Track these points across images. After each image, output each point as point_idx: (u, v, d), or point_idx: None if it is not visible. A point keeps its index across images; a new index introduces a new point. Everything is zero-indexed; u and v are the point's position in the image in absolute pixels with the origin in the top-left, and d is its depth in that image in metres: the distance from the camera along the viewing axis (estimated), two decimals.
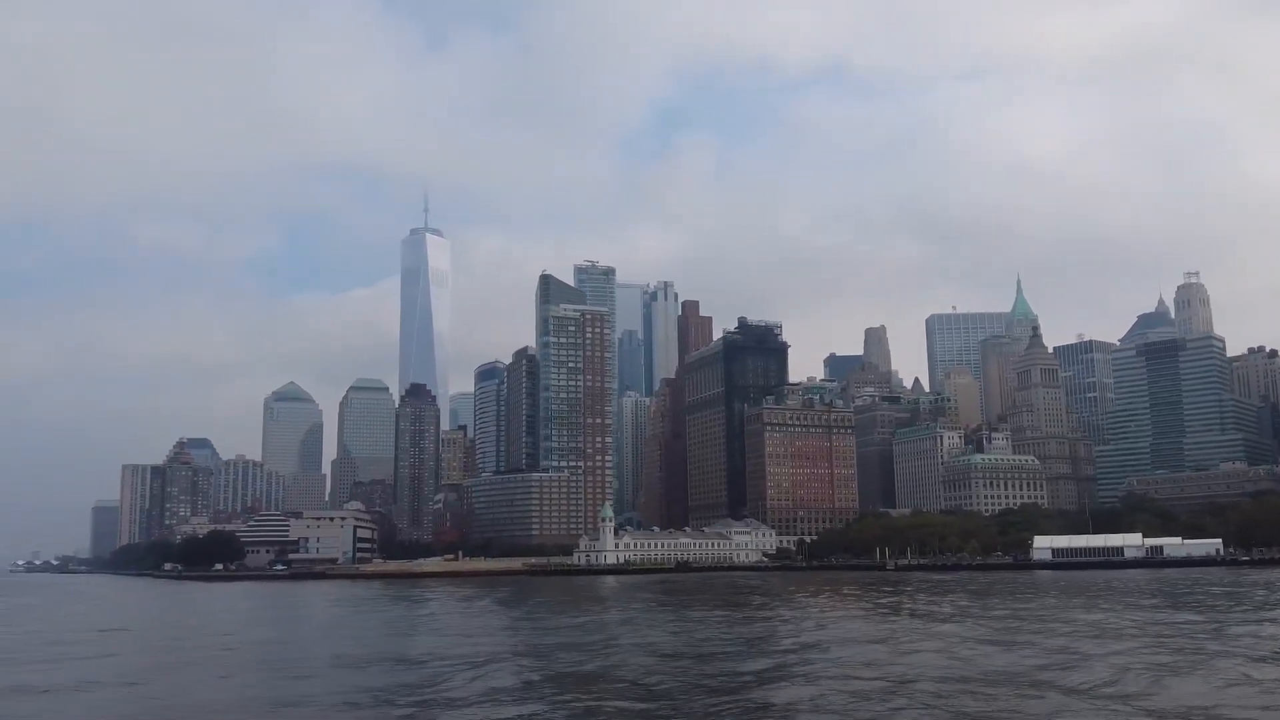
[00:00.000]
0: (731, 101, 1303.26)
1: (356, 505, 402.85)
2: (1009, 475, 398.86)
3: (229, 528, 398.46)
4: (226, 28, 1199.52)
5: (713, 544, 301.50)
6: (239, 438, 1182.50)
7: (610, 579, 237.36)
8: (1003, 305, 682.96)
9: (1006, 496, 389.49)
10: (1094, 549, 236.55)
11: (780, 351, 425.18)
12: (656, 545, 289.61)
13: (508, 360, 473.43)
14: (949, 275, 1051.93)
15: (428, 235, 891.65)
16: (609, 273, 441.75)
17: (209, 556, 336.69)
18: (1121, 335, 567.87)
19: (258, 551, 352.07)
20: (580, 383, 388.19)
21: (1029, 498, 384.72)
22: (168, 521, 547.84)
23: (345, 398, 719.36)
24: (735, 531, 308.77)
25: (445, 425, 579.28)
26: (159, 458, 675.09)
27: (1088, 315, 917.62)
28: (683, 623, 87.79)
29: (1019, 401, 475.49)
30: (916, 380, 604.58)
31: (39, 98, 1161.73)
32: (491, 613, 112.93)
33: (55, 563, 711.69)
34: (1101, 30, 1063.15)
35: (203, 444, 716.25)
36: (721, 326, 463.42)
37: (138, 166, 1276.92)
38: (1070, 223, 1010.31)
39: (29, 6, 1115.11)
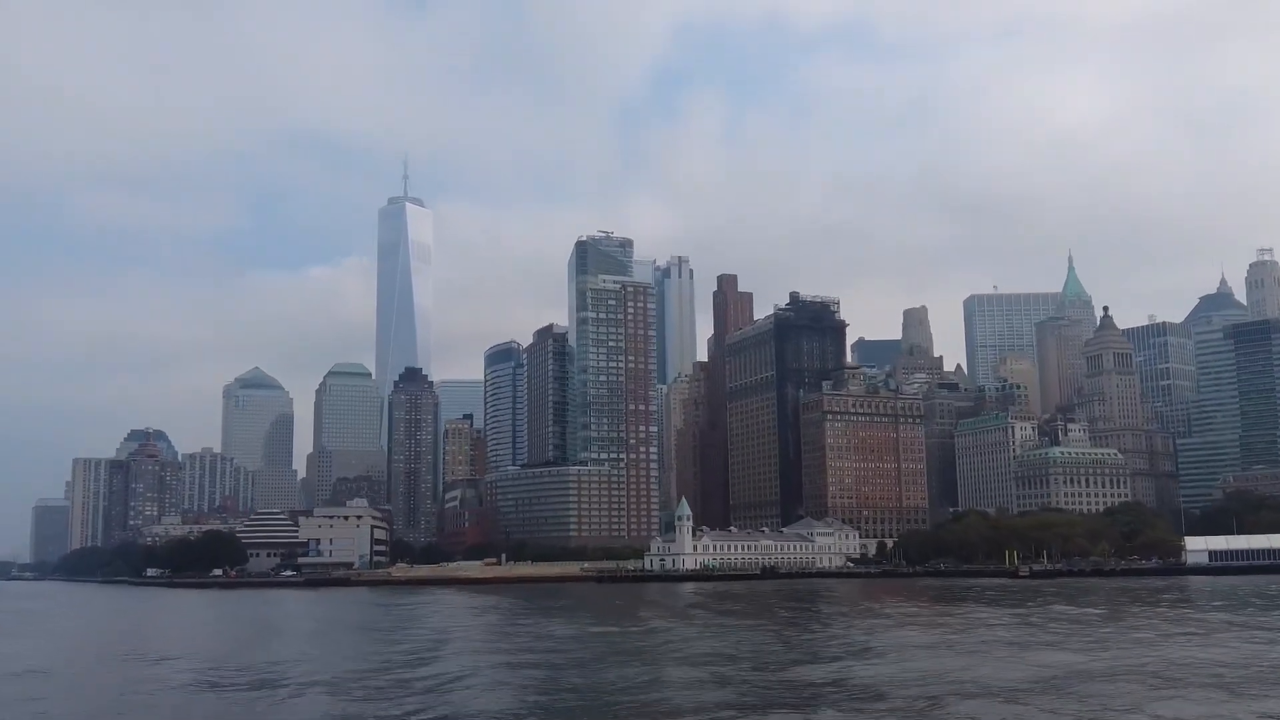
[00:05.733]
0: (739, 63, 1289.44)
1: (362, 502, 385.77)
2: (1090, 471, 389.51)
3: (225, 527, 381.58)
4: None
5: (795, 546, 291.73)
6: (196, 429, 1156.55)
7: (688, 586, 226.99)
8: (1043, 284, 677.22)
9: (1089, 495, 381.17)
10: (1256, 551, 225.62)
11: (837, 331, 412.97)
12: (737, 548, 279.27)
13: (525, 340, 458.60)
14: (978, 252, 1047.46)
15: (408, 205, 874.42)
16: (626, 245, 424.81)
17: (204, 561, 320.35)
18: (1183, 318, 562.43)
19: (259, 555, 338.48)
20: (622, 364, 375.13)
21: (1112, 496, 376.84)
22: (133, 521, 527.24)
23: (322, 384, 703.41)
24: (818, 533, 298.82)
25: (444, 413, 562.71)
26: (108, 450, 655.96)
27: (1132, 296, 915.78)
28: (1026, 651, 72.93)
29: (1088, 389, 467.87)
30: (959, 366, 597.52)
31: None
32: (727, 630, 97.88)
33: None
34: None
35: (158, 436, 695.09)
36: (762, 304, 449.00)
37: (89, 132, 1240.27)
38: (1107, 197, 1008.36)
39: None
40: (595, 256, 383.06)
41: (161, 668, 76.08)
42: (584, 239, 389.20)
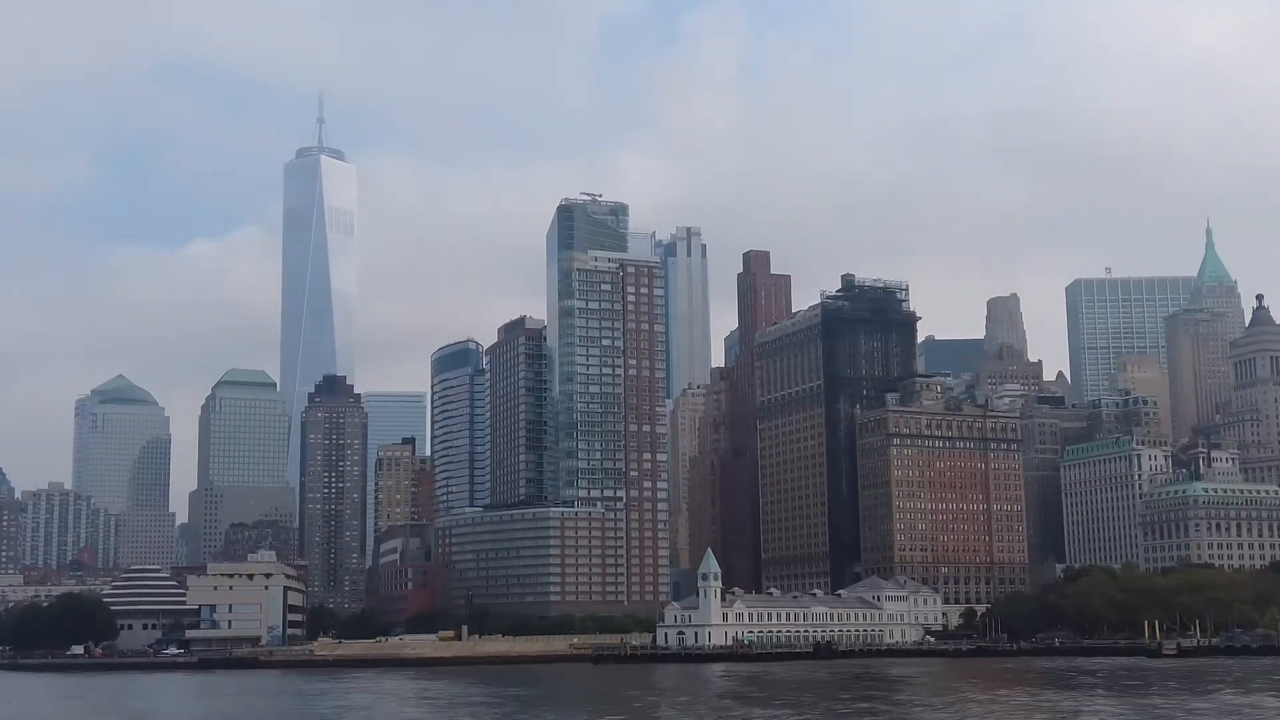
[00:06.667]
0: None
1: (269, 555, 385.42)
2: (1243, 514, 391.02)
3: (86, 589, 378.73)
4: None
5: (857, 615, 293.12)
6: (39, 459, 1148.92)
7: (717, 668, 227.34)
8: (1172, 265, 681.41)
9: (1242, 546, 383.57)
10: None
11: (906, 326, 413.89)
12: (781, 617, 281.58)
13: (487, 339, 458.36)
14: (1082, 223, 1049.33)
15: (323, 159, 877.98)
16: (618, 212, 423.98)
17: (58, 635, 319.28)
18: None
19: (133, 627, 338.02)
20: (620, 370, 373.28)
21: (1274, 547, 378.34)
22: None
23: (209, 398, 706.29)
24: (887, 597, 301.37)
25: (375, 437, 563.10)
26: None
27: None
28: None
29: (1238, 405, 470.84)
30: (1060, 374, 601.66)
31: None
32: None
33: None
34: None
35: None
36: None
37: None
38: (1257, 148, 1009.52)
39: None
40: (584, 226, 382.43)
41: None
42: (568, 202, 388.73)
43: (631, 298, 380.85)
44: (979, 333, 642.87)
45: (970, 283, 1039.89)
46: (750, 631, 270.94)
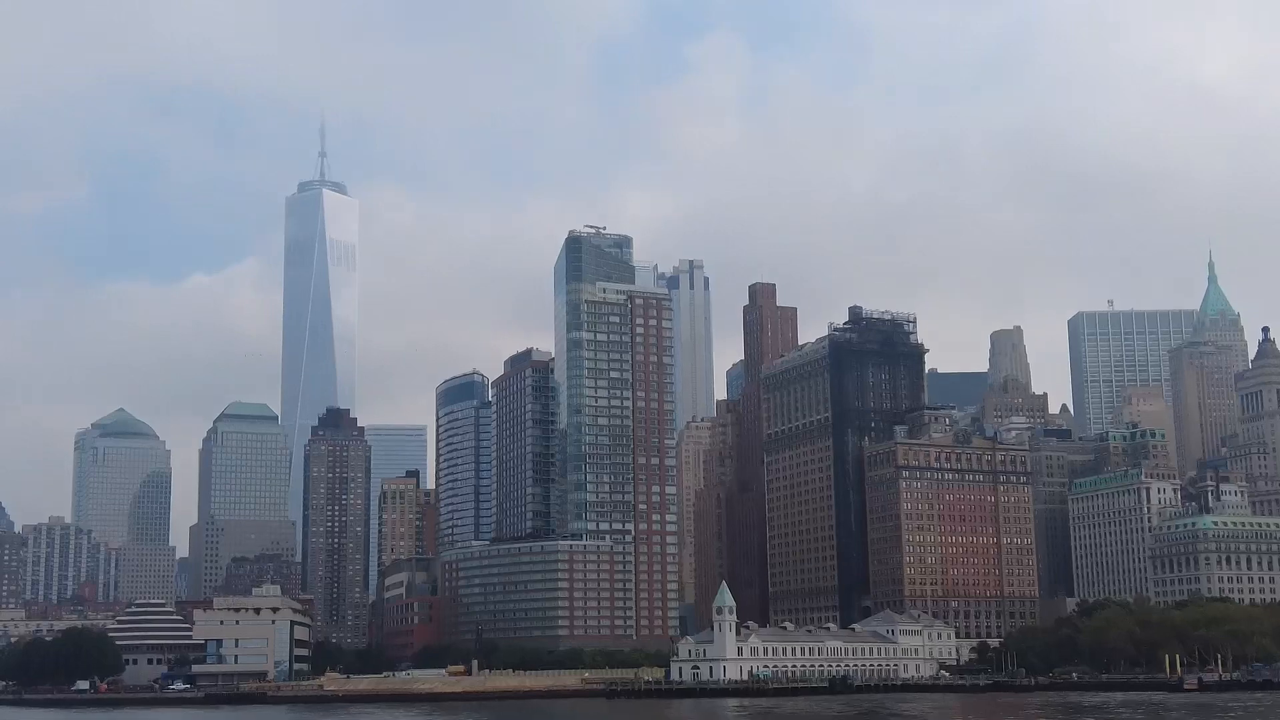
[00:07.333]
0: None
1: (274, 590, 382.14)
2: (1252, 547, 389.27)
3: (89, 623, 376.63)
4: None
5: (872, 650, 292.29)
6: (38, 492, 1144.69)
7: (731, 703, 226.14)
8: (1174, 297, 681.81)
9: (1252, 580, 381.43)
10: None
11: (914, 358, 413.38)
12: (796, 652, 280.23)
13: (487, 371, 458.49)
14: (1084, 253, 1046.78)
15: (325, 192, 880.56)
16: (623, 244, 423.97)
17: (64, 669, 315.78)
18: None
19: (139, 661, 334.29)
20: (629, 403, 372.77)
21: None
22: None
23: (210, 431, 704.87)
24: (902, 631, 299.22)
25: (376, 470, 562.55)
26: None
27: None
28: None
29: (1245, 438, 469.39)
30: (1064, 407, 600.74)
31: None
32: None
33: None
34: None
35: None
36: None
37: None
38: (1262, 177, 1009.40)
39: None
40: (592, 258, 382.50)
41: None
42: (577, 233, 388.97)
43: (640, 329, 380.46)
44: (981, 365, 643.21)
45: (972, 315, 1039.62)
46: (765, 666, 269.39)
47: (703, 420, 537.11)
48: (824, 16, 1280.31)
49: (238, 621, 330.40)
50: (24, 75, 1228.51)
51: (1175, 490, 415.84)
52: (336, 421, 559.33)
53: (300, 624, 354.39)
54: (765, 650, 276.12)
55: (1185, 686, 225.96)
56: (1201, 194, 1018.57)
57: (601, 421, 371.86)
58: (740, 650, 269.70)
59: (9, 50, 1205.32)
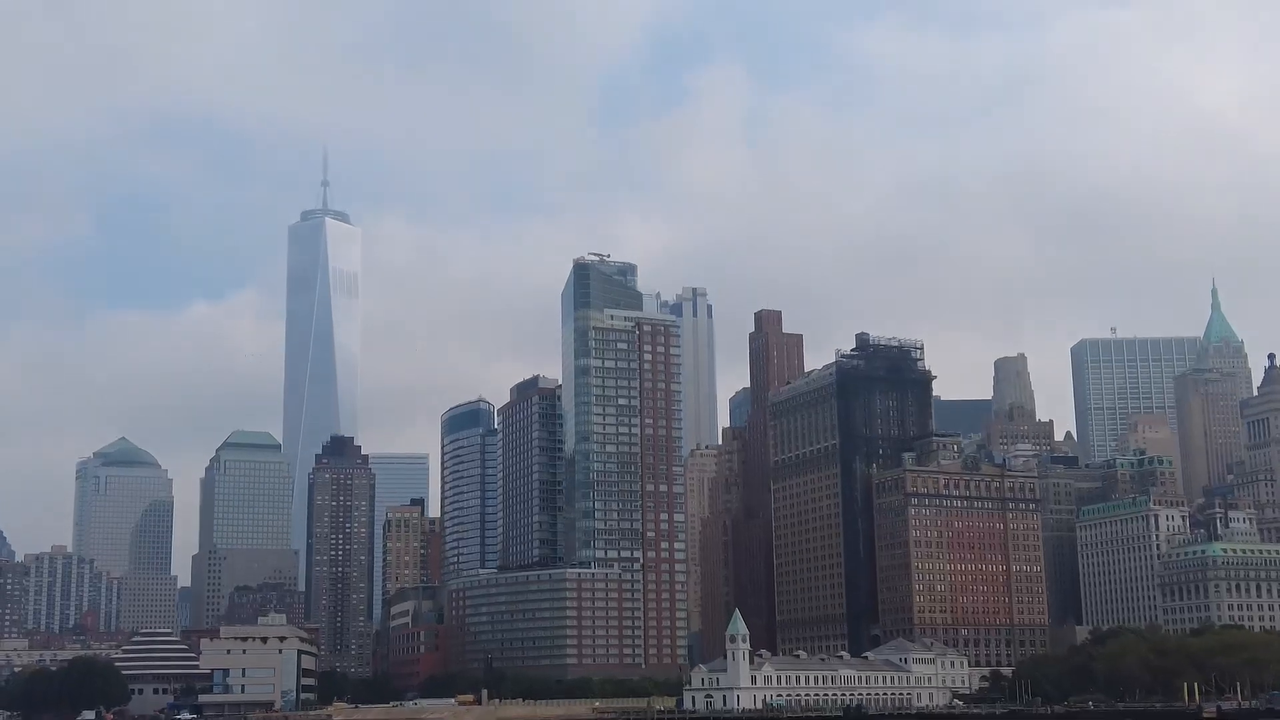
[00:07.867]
0: (765, 31, 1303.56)
1: (280, 619, 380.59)
2: (1262, 574, 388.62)
3: (93, 652, 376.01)
4: None
5: (885, 678, 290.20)
6: (40, 521, 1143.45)
7: None
8: (1177, 324, 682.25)
9: (1262, 607, 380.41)
10: None
11: (921, 385, 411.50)
12: (809, 680, 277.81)
13: (490, 398, 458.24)
14: (1087, 281, 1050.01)
15: (328, 221, 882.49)
16: (627, 272, 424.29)
17: (69, 699, 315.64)
18: None
19: (145, 691, 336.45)
20: (637, 430, 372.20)
21: None
22: None
23: (213, 460, 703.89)
24: (915, 659, 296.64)
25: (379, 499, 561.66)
26: None
27: None
28: None
29: (1251, 465, 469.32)
30: (1069, 434, 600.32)
31: None
32: None
33: None
34: None
35: None
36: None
37: None
38: (1263, 206, 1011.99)
39: None
40: (600, 285, 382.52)
41: None
42: (583, 260, 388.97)
43: (648, 356, 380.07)
44: (985, 393, 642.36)
45: (976, 343, 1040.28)
46: (779, 695, 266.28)
47: (707, 448, 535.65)
48: (824, 47, 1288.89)
49: (245, 651, 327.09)
50: (28, 106, 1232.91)
51: (1184, 518, 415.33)
52: (341, 450, 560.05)
53: (307, 653, 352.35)
54: (779, 679, 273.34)
55: (1205, 714, 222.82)
56: (1204, 222, 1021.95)
57: (609, 448, 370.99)
58: (754, 679, 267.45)
59: (13, 82, 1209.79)
